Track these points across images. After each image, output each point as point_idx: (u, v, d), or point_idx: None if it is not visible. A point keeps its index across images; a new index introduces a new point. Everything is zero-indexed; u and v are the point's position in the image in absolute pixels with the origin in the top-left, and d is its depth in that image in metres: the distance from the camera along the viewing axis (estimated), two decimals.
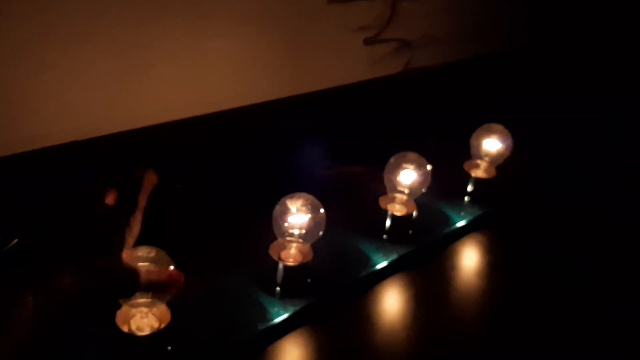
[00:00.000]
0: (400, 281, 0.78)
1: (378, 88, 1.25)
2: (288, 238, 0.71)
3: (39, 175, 0.86)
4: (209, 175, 0.91)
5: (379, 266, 0.77)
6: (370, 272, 0.76)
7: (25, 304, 0.41)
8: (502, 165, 0.93)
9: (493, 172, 0.93)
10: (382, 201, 0.83)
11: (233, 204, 0.85)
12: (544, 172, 1.05)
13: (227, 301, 0.69)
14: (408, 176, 0.81)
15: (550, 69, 1.42)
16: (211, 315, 0.66)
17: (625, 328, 0.72)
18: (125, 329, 0.58)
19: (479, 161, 0.93)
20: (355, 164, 0.99)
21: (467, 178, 0.93)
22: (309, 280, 0.72)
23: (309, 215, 0.70)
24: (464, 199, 0.93)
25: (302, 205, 0.70)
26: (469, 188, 0.93)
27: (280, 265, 0.70)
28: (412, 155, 0.82)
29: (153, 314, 0.59)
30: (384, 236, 0.82)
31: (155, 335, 0.58)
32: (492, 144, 0.91)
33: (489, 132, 0.92)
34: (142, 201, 0.52)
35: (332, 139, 1.05)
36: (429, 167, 0.82)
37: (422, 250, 0.82)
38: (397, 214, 0.82)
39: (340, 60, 1.20)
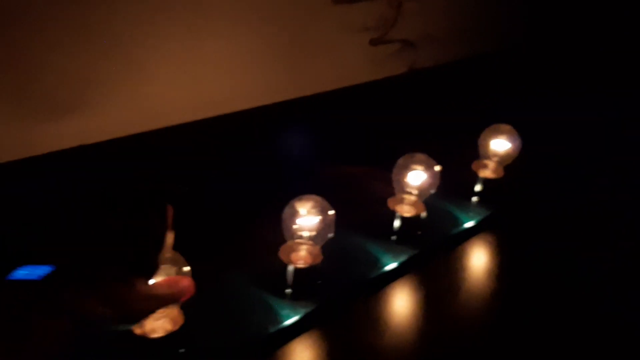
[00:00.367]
0: (410, 282, 0.78)
1: (383, 89, 1.25)
2: (298, 240, 0.71)
3: (47, 178, 0.86)
4: (215, 177, 0.91)
5: (388, 268, 0.77)
6: (379, 274, 0.76)
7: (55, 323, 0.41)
8: (510, 165, 0.92)
9: (501, 173, 0.93)
10: (390, 202, 0.83)
11: (241, 206, 0.85)
12: (552, 173, 1.05)
13: (238, 304, 0.69)
14: (417, 177, 0.81)
15: (555, 68, 1.42)
16: (222, 318, 0.66)
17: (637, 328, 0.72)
18: (138, 331, 0.58)
19: (487, 161, 0.93)
20: (362, 166, 0.99)
21: (475, 178, 0.93)
22: (319, 282, 0.72)
23: (319, 217, 0.70)
24: (471, 199, 0.93)
25: (312, 207, 0.70)
26: (477, 188, 0.93)
27: (290, 268, 0.70)
28: (421, 156, 0.82)
29: (166, 317, 0.59)
30: (393, 237, 0.82)
31: (168, 337, 0.58)
32: (500, 144, 0.91)
33: (497, 133, 0.91)
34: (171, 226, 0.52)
35: (337, 141, 1.05)
36: (437, 167, 0.81)
37: (430, 252, 0.82)
38: (406, 215, 0.82)
39: (344, 62, 1.20)
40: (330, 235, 0.71)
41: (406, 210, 0.83)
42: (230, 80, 1.06)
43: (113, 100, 0.94)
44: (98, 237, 0.49)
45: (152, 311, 0.50)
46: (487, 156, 0.93)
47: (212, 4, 0.97)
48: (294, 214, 0.71)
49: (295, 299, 0.70)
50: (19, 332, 0.40)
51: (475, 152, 0.94)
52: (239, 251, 0.78)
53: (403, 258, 0.79)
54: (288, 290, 0.71)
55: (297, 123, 1.10)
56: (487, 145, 0.92)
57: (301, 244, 0.72)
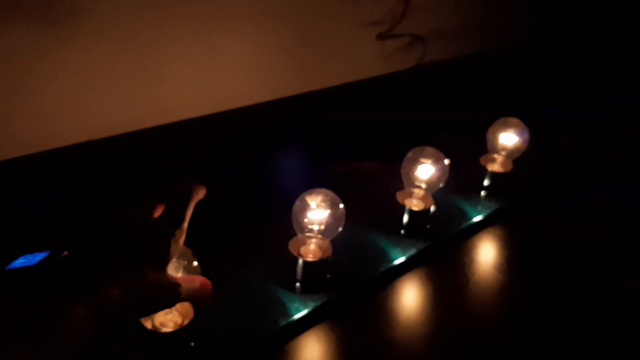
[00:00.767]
0: (419, 276, 0.78)
1: (391, 84, 1.24)
2: (307, 234, 0.71)
3: (56, 175, 0.87)
4: (224, 172, 0.91)
5: (398, 261, 0.77)
6: (388, 268, 0.76)
7: (67, 316, 0.41)
8: (518, 159, 0.92)
9: (510, 166, 0.92)
10: (399, 196, 0.83)
11: (251, 201, 0.85)
12: (561, 167, 1.05)
13: (247, 297, 0.69)
14: (426, 171, 0.81)
15: (564, 63, 1.41)
16: (232, 312, 0.66)
17: None
18: (149, 325, 0.58)
19: (495, 155, 0.93)
20: (371, 160, 0.99)
21: (483, 172, 0.93)
22: (328, 275, 0.72)
23: (329, 211, 0.70)
24: (480, 193, 0.93)
25: (322, 200, 0.70)
26: (486, 182, 0.93)
27: (300, 261, 0.70)
28: (430, 149, 0.82)
29: (177, 311, 0.59)
30: (402, 231, 0.82)
31: (179, 331, 0.58)
32: (508, 138, 0.91)
33: (505, 126, 0.91)
34: (189, 214, 0.52)
35: (347, 135, 1.05)
36: (446, 161, 0.81)
37: (439, 245, 0.82)
38: (415, 208, 0.82)
39: (352, 56, 1.19)
40: (340, 229, 0.71)
41: (415, 204, 0.83)
42: (240, 75, 1.06)
43: (125, 97, 0.94)
44: (114, 228, 0.50)
45: (172, 303, 0.50)
46: (496, 150, 0.93)
47: (222, 2, 0.97)
48: (304, 207, 0.71)
49: (305, 292, 0.70)
50: (47, 324, 0.40)
51: (483, 146, 0.94)
52: (249, 245, 0.78)
53: (412, 252, 0.79)
54: (298, 284, 0.71)
55: (305, 118, 1.09)
56: (495, 139, 0.92)
57: (311, 237, 0.72)
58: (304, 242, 0.72)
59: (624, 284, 0.78)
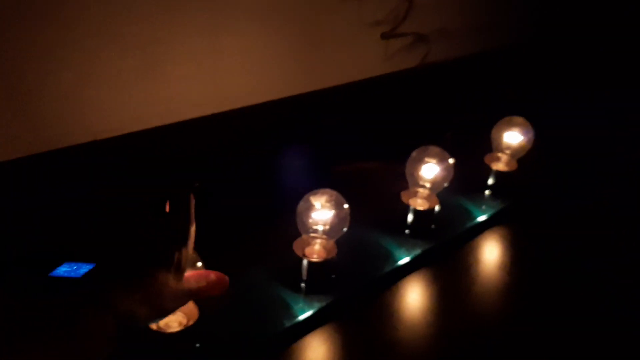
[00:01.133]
0: (424, 276, 0.78)
1: (395, 83, 1.24)
2: (312, 234, 0.71)
3: (60, 175, 0.87)
4: (229, 172, 0.91)
5: (402, 262, 0.77)
6: (393, 268, 0.76)
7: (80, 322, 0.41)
8: (523, 158, 0.92)
9: (514, 165, 0.92)
10: (404, 196, 0.83)
11: (255, 200, 0.85)
12: (566, 165, 1.04)
13: (252, 298, 0.69)
14: (430, 170, 0.81)
15: (569, 62, 1.41)
16: (237, 313, 0.66)
17: None
18: (153, 326, 0.58)
19: (500, 154, 0.93)
20: (375, 159, 0.98)
21: (488, 171, 0.92)
22: (333, 276, 0.72)
23: (333, 211, 0.70)
24: (485, 192, 0.93)
25: (326, 201, 0.70)
26: (490, 181, 0.92)
27: (305, 262, 0.70)
28: (434, 149, 0.82)
29: (181, 311, 0.59)
30: (407, 231, 0.82)
31: (184, 332, 0.58)
32: (513, 137, 0.90)
33: (510, 125, 0.91)
34: (192, 219, 0.52)
35: (351, 135, 1.05)
36: (451, 160, 0.81)
37: (444, 245, 0.82)
38: (419, 208, 0.81)
39: (356, 56, 1.19)
40: (345, 229, 0.71)
41: (420, 203, 0.82)
42: (244, 75, 1.05)
43: (130, 96, 0.94)
44: (125, 235, 0.50)
45: (183, 304, 0.50)
46: (500, 149, 0.92)
47: (227, 1, 0.97)
48: (309, 207, 0.71)
49: (310, 293, 0.70)
50: (65, 331, 0.40)
51: (488, 145, 0.93)
52: (253, 245, 0.78)
53: (417, 252, 0.79)
54: (302, 285, 0.71)
55: (308, 117, 1.09)
56: (500, 138, 0.91)
57: (315, 238, 0.72)
58: (308, 243, 0.72)
59: (628, 283, 0.78)
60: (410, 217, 0.82)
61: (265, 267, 0.73)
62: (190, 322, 0.59)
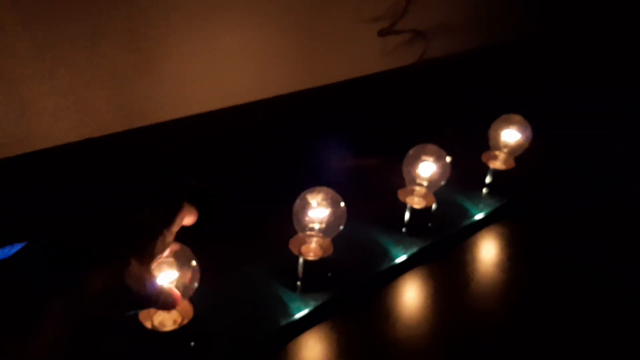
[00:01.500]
0: (420, 274, 0.78)
1: (393, 79, 1.24)
2: (308, 232, 0.71)
3: (55, 174, 0.86)
4: (226, 169, 0.91)
5: (399, 260, 0.77)
6: (390, 266, 0.76)
7: (54, 306, 0.41)
8: (520, 156, 0.92)
9: (512, 164, 0.92)
10: (400, 194, 0.83)
11: (252, 198, 0.85)
12: (564, 164, 1.04)
13: (248, 296, 0.69)
14: (427, 168, 0.81)
15: (570, 59, 1.40)
16: (233, 311, 0.66)
17: None
18: (148, 325, 0.58)
19: (497, 152, 0.93)
20: (372, 157, 0.98)
21: (485, 169, 0.92)
22: (329, 274, 0.72)
23: (330, 210, 0.70)
24: (482, 190, 0.92)
25: (323, 199, 0.70)
26: (487, 179, 0.92)
27: (301, 260, 0.70)
28: (432, 147, 0.81)
29: (176, 310, 0.59)
30: (403, 229, 0.82)
31: (179, 330, 0.58)
32: (510, 135, 0.90)
33: (507, 123, 0.90)
34: (179, 221, 0.53)
35: (348, 132, 1.05)
36: (448, 158, 0.81)
37: (441, 243, 0.82)
38: (416, 206, 0.81)
39: (354, 52, 1.19)
40: (341, 227, 0.71)
41: (416, 201, 0.82)
42: (242, 72, 1.05)
43: (127, 94, 0.93)
44: (104, 222, 0.50)
45: (149, 304, 0.51)
46: (498, 147, 0.92)
47: None
48: (305, 205, 0.70)
49: (306, 291, 0.70)
50: (28, 317, 0.40)
51: (485, 143, 0.93)
52: (249, 243, 0.77)
53: (413, 250, 0.78)
54: (298, 283, 0.71)
55: (306, 114, 1.09)
56: (497, 136, 0.91)
57: (312, 236, 0.71)
58: (304, 241, 0.72)
59: (627, 281, 0.78)
60: (407, 215, 0.81)
61: (261, 265, 0.73)
62: (185, 321, 0.59)
